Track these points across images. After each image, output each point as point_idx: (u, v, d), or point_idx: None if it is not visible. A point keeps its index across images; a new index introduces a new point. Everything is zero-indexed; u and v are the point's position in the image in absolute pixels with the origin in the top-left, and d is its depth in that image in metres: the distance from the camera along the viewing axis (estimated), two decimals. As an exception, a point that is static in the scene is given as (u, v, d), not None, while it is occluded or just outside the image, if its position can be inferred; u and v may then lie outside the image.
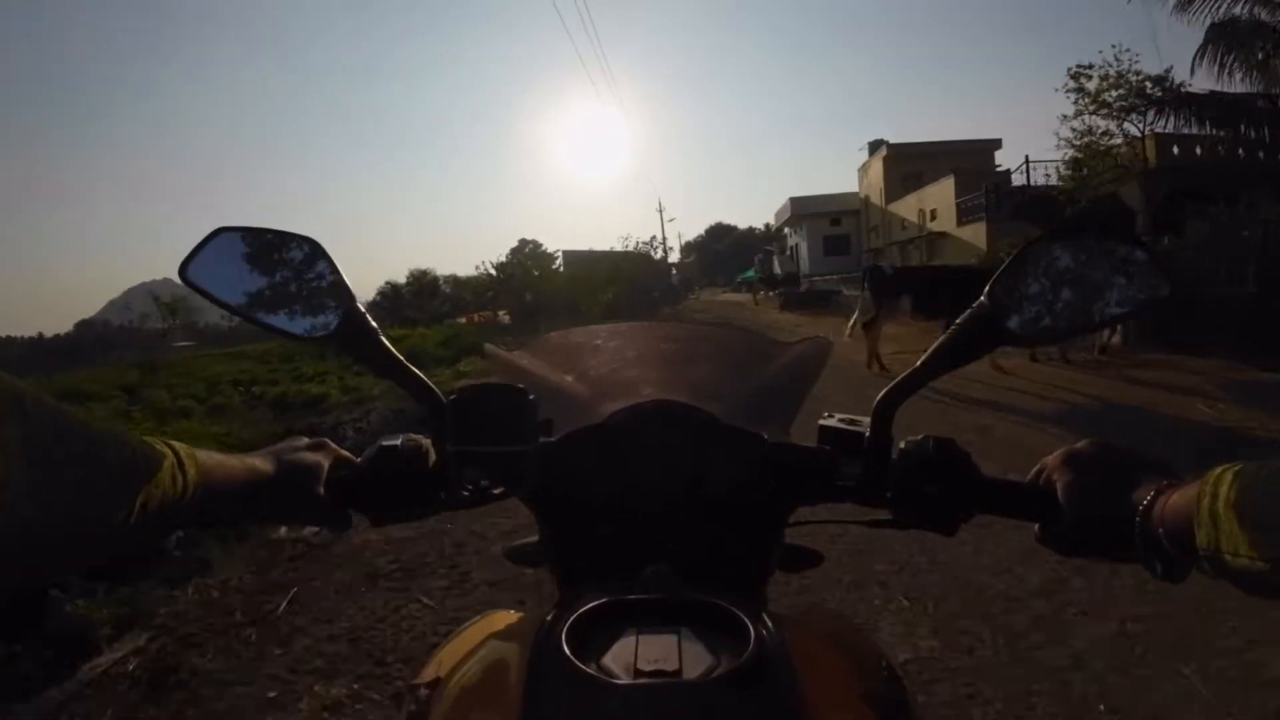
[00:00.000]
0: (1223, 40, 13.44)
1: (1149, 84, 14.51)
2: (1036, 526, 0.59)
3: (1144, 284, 0.58)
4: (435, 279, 33.57)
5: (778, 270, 32.72)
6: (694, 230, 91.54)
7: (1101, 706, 2.03)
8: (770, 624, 0.49)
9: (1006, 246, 13.99)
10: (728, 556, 0.65)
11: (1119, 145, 15.41)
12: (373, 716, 2.18)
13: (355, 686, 2.32)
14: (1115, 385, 6.83)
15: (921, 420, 3.65)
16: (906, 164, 31.22)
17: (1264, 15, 12.61)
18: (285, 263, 0.63)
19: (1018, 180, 20.84)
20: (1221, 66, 13.48)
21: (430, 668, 0.62)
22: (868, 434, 0.62)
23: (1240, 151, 16.09)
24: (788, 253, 41.99)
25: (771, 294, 28.42)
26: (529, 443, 0.63)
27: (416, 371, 0.64)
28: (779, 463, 0.65)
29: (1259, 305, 7.94)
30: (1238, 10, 12.91)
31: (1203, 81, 13.84)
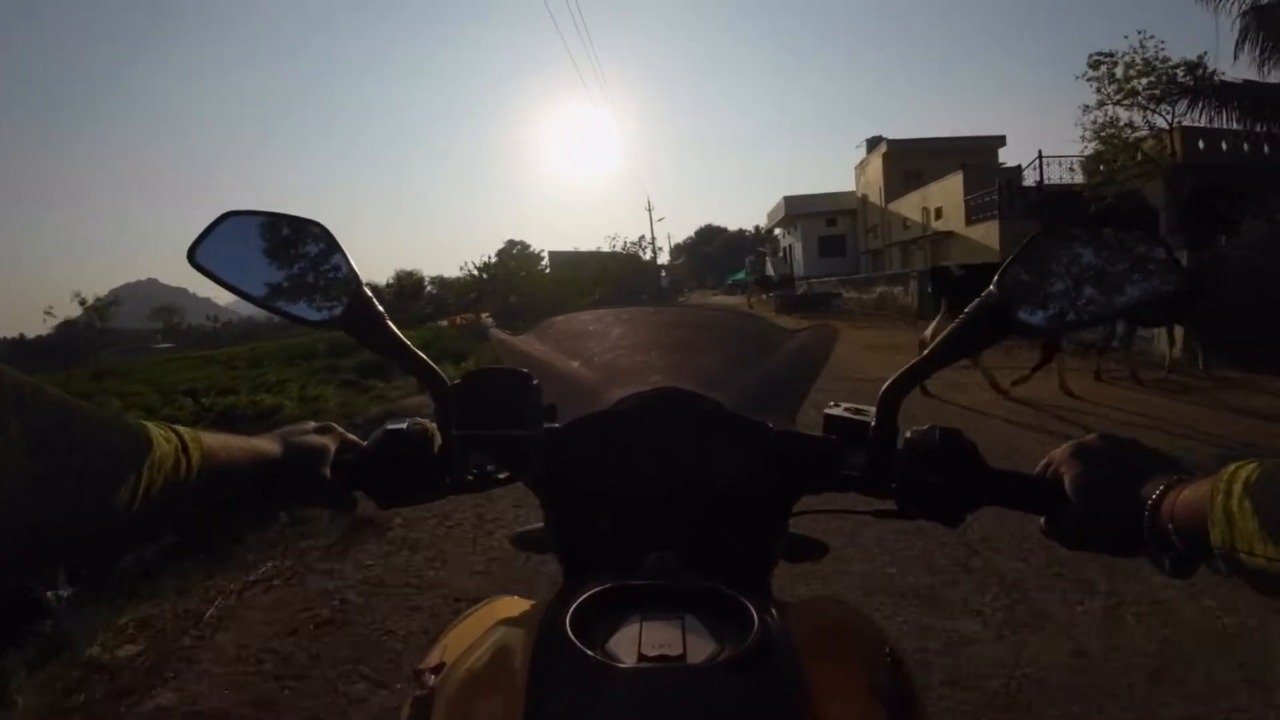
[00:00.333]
0: (1262, 26, 12.40)
1: (1180, 71, 13.47)
2: (1043, 519, 0.59)
3: (1158, 277, 0.57)
4: (420, 280, 32.72)
5: (770, 272, 31.19)
6: (684, 232, 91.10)
7: None
8: (774, 611, 0.50)
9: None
10: (732, 545, 0.65)
11: (1146, 138, 14.35)
12: None
13: None
14: (1200, 412, 5.73)
15: (993, 454, 2.51)
16: (907, 161, 29.76)
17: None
18: (293, 247, 0.63)
19: (1028, 177, 19.77)
20: (1262, 53, 12.45)
21: (436, 652, 0.62)
22: (873, 423, 0.62)
23: (1265, 148, 15.16)
24: (780, 254, 40.37)
25: (766, 296, 27.09)
26: (532, 427, 0.63)
27: (423, 356, 0.64)
28: (784, 452, 0.64)
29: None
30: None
31: (1239, 71, 12.87)
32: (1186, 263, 7.71)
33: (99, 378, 13.66)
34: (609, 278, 24.63)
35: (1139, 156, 14.29)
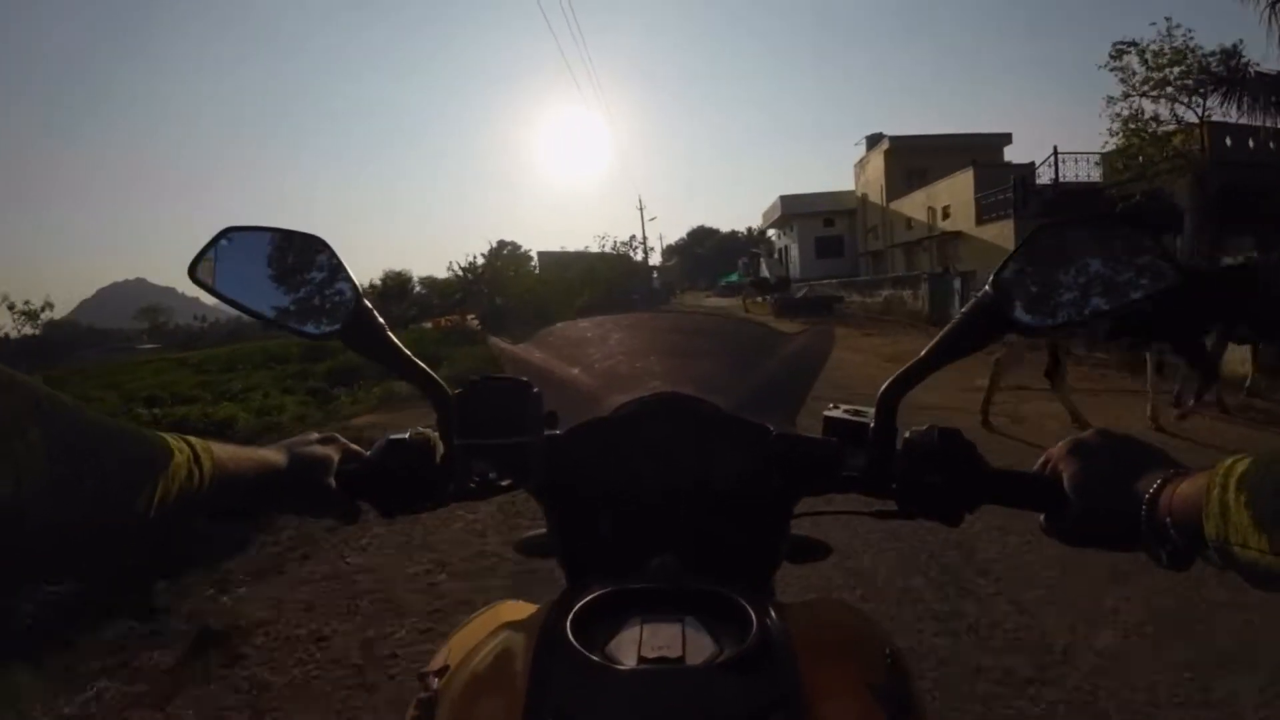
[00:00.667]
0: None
1: (1214, 60, 12.61)
2: (1042, 517, 0.59)
3: (1153, 274, 0.57)
4: (407, 280, 31.76)
5: (765, 274, 30.11)
6: (676, 233, 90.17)
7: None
8: (774, 613, 0.50)
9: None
10: (734, 547, 0.65)
11: (1176, 132, 13.48)
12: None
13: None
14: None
15: None
16: (910, 159, 28.81)
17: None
18: (293, 261, 0.63)
19: (1041, 175, 18.90)
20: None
21: (440, 656, 0.62)
22: (873, 425, 0.62)
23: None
24: (776, 255, 39.31)
25: (763, 299, 26.08)
26: (534, 435, 0.63)
27: (424, 366, 0.64)
28: (784, 454, 0.65)
29: None
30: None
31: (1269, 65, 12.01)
32: (1254, 263, 6.75)
33: (60, 383, 12.63)
34: (597, 279, 23.55)
35: (1168, 152, 13.40)
